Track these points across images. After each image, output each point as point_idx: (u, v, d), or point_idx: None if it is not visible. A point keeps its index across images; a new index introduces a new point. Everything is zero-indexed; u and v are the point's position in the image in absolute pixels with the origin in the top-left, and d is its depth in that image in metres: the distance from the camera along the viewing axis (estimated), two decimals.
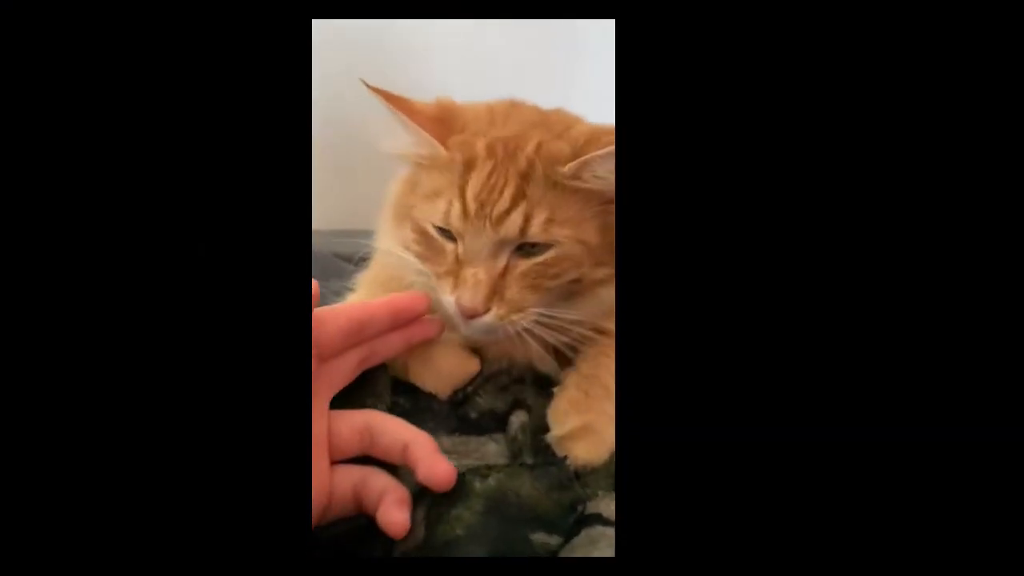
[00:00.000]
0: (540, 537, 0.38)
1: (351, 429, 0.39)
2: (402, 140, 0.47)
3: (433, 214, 0.45)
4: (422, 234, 0.46)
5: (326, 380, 0.39)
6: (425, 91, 0.51)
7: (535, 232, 0.43)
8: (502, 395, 0.46)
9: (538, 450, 0.44)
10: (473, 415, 0.44)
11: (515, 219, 0.43)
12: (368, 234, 0.55)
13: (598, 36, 0.96)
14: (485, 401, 0.45)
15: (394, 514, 0.36)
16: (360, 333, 0.41)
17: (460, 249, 0.44)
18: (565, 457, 0.42)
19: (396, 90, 0.47)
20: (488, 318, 0.43)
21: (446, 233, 0.45)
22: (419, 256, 0.46)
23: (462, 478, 0.40)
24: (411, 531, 0.37)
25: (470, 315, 0.43)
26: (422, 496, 0.39)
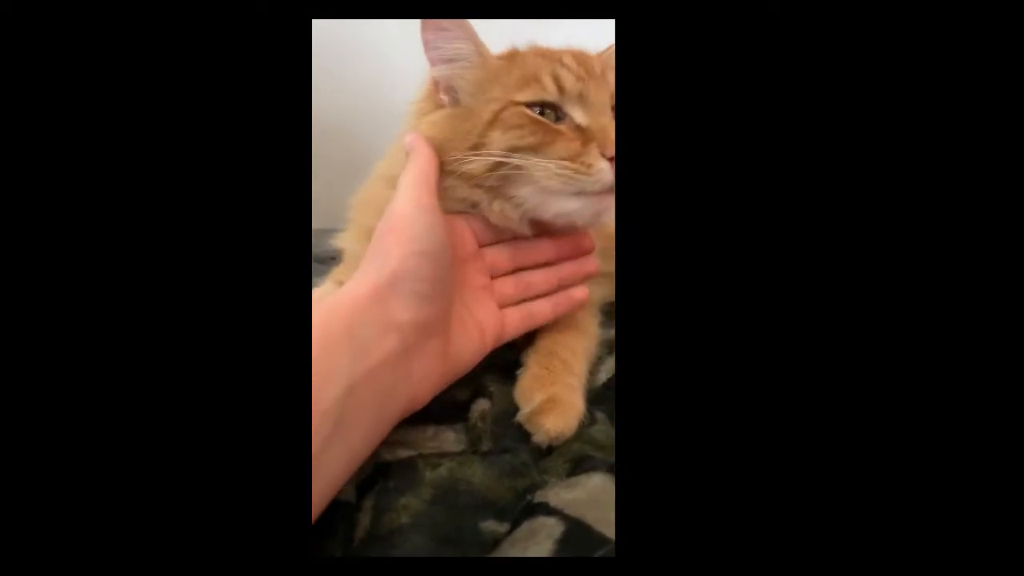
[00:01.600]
0: (490, 525, 0.38)
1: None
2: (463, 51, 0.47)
3: (540, 93, 0.45)
4: (529, 123, 0.44)
5: (481, 259, 0.48)
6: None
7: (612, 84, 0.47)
8: (464, 385, 0.46)
9: (497, 437, 0.44)
10: (434, 406, 0.44)
11: (608, 77, 0.47)
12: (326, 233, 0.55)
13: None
14: (446, 391, 0.45)
15: (576, 290, 0.51)
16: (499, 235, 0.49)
17: (579, 116, 0.45)
18: (530, 439, 0.43)
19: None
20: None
21: (550, 111, 0.45)
22: (533, 148, 0.44)
23: (413, 466, 0.40)
24: (359, 519, 0.37)
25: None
26: (371, 484, 0.39)
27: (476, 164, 0.44)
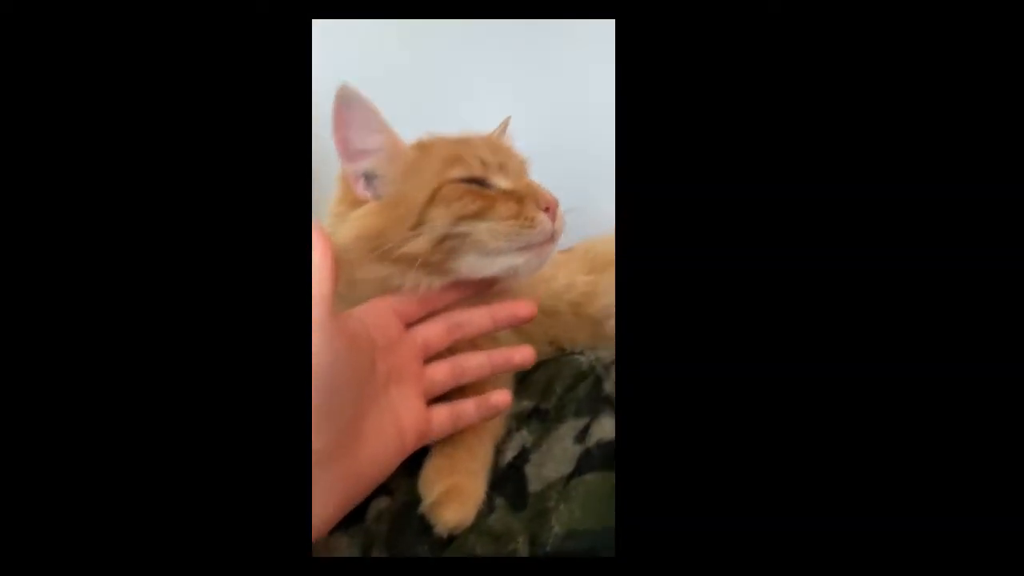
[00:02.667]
0: None
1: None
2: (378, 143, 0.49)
3: (469, 170, 0.48)
4: (469, 193, 0.47)
5: (411, 343, 0.46)
6: None
7: (520, 157, 0.53)
8: None
9: (393, 539, 0.43)
10: None
11: (515, 152, 0.53)
12: None
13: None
14: None
15: (494, 396, 0.48)
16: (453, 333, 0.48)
17: (504, 183, 0.49)
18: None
19: None
20: (560, 210, 0.49)
21: (477, 184, 0.48)
22: (477, 214, 0.46)
23: None
24: None
25: (555, 210, 0.48)
26: None
27: (422, 241, 0.46)
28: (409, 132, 0.51)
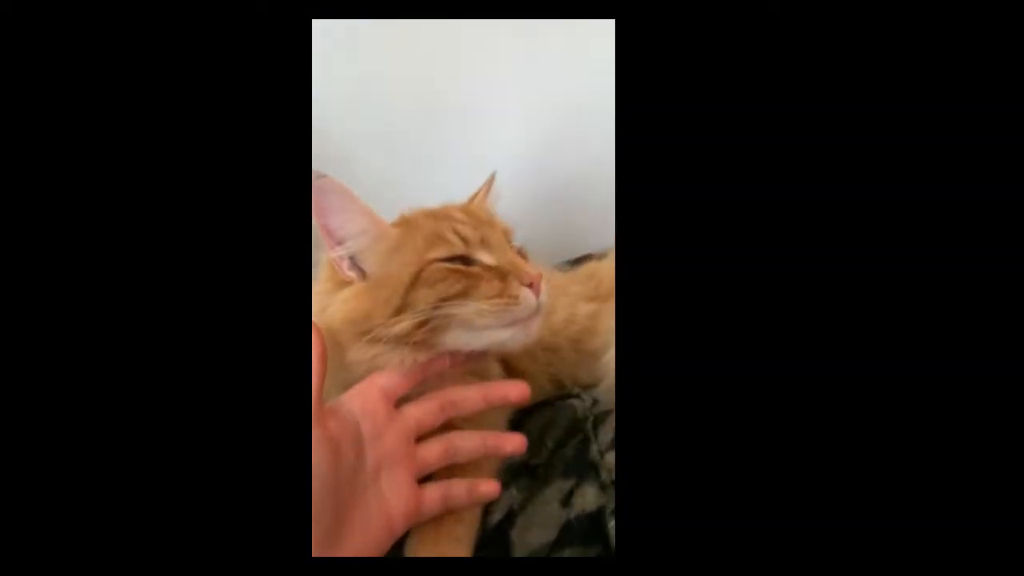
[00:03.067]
0: None
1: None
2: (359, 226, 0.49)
3: (450, 248, 0.48)
4: (452, 274, 0.47)
5: (402, 425, 0.46)
6: None
7: (507, 228, 0.54)
8: None
9: None
10: None
11: (495, 221, 0.53)
12: None
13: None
14: None
15: (483, 486, 0.47)
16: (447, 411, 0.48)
17: (488, 258, 0.49)
18: None
19: None
20: (544, 284, 0.49)
21: (460, 261, 0.48)
22: (461, 294, 0.46)
23: None
24: None
25: (539, 285, 0.48)
26: None
27: (406, 324, 0.46)
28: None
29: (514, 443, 0.48)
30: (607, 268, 0.75)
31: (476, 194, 0.60)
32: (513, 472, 0.53)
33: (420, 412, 0.47)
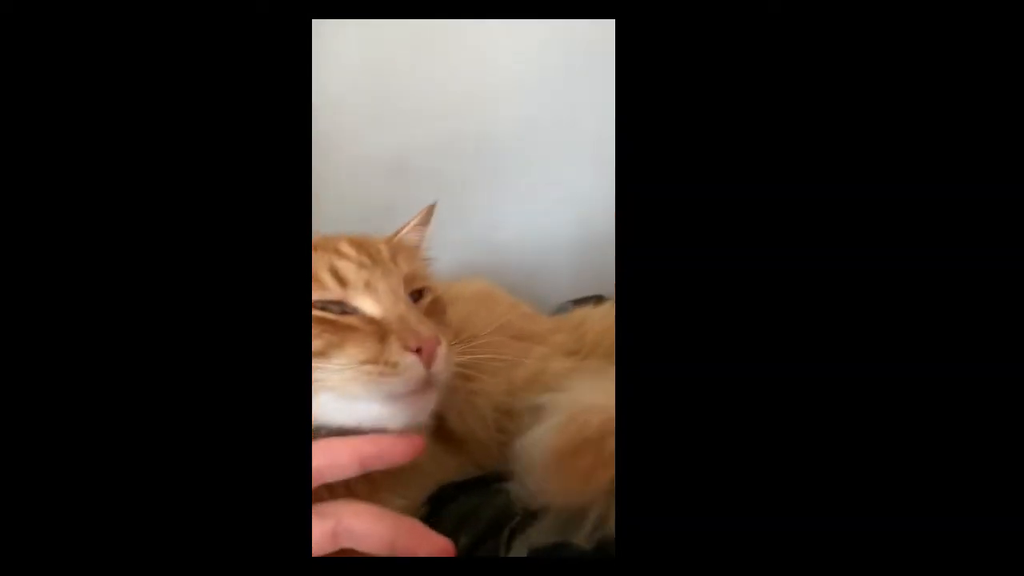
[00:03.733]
0: None
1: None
2: None
3: (319, 291, 0.39)
4: (317, 324, 0.38)
5: None
6: None
7: (419, 272, 0.44)
8: None
9: None
10: None
11: (400, 262, 0.43)
12: None
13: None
14: None
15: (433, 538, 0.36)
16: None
17: (370, 307, 0.39)
18: None
19: None
20: (442, 350, 0.39)
21: (338, 307, 0.39)
22: (326, 352, 0.37)
23: None
24: None
25: (432, 351, 0.38)
26: None
27: None
28: None
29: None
30: (599, 315, 0.64)
31: (404, 226, 0.50)
32: None
33: None
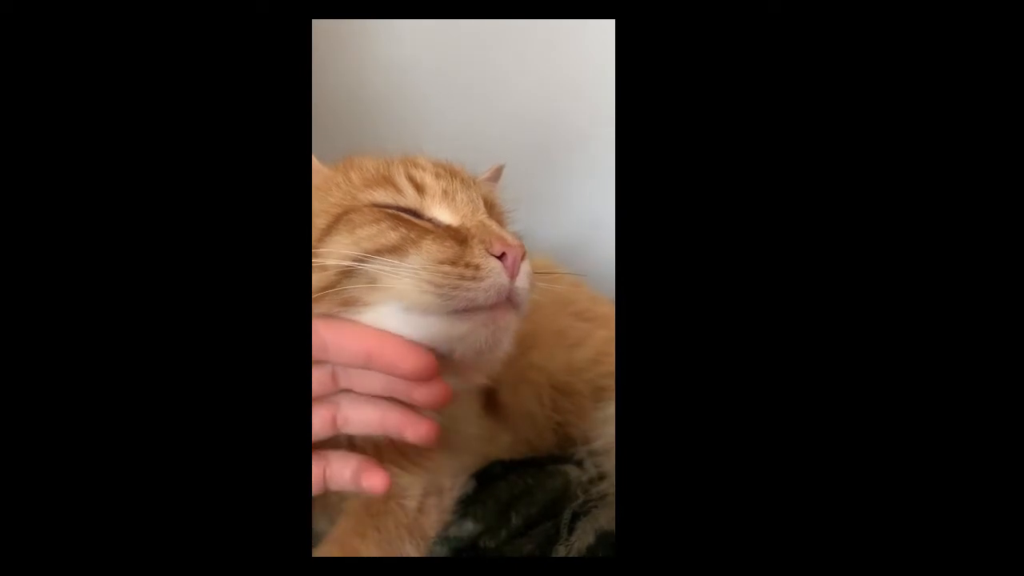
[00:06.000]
0: None
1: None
2: None
3: (395, 196, 0.35)
4: (387, 218, 0.33)
5: None
6: None
7: (496, 202, 0.39)
8: None
9: None
10: None
11: (480, 185, 0.39)
12: None
13: None
14: None
15: (375, 475, 0.33)
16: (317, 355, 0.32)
17: (446, 216, 0.35)
18: None
19: None
20: (527, 264, 0.33)
21: (411, 214, 0.35)
22: (395, 249, 0.32)
23: None
24: None
25: (517, 260, 0.33)
26: None
27: (323, 276, 0.32)
28: None
29: (421, 431, 0.33)
30: None
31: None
32: (456, 547, 0.38)
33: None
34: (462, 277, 0.31)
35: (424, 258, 0.31)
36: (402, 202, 0.34)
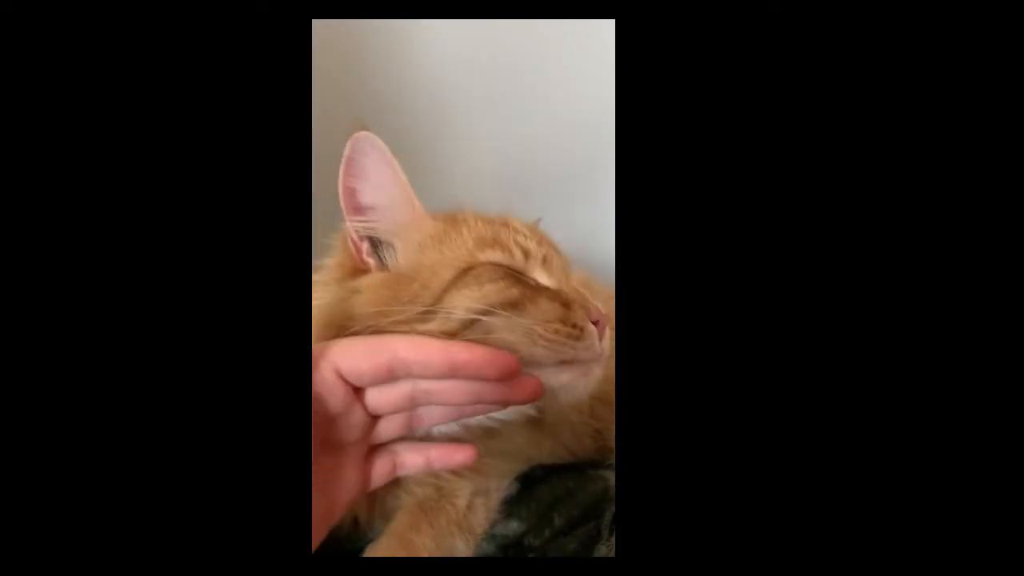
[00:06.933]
0: None
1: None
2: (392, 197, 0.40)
3: (507, 258, 0.38)
4: (507, 275, 0.37)
5: (358, 412, 0.35)
6: None
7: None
8: None
9: None
10: None
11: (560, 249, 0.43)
12: None
13: None
14: None
15: (460, 451, 0.38)
16: (392, 373, 0.34)
17: (547, 279, 0.40)
18: None
19: None
20: (609, 332, 0.39)
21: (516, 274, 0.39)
22: (514, 304, 0.36)
23: None
24: None
25: (605, 326, 0.39)
26: None
27: (434, 325, 0.35)
28: None
29: (528, 390, 0.35)
30: None
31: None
32: (502, 549, 0.41)
33: (381, 395, 0.35)
34: (569, 336, 0.36)
35: (538, 315, 0.36)
36: (513, 264, 0.38)
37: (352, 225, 0.39)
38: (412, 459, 0.38)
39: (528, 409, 0.42)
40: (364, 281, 0.38)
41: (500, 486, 0.44)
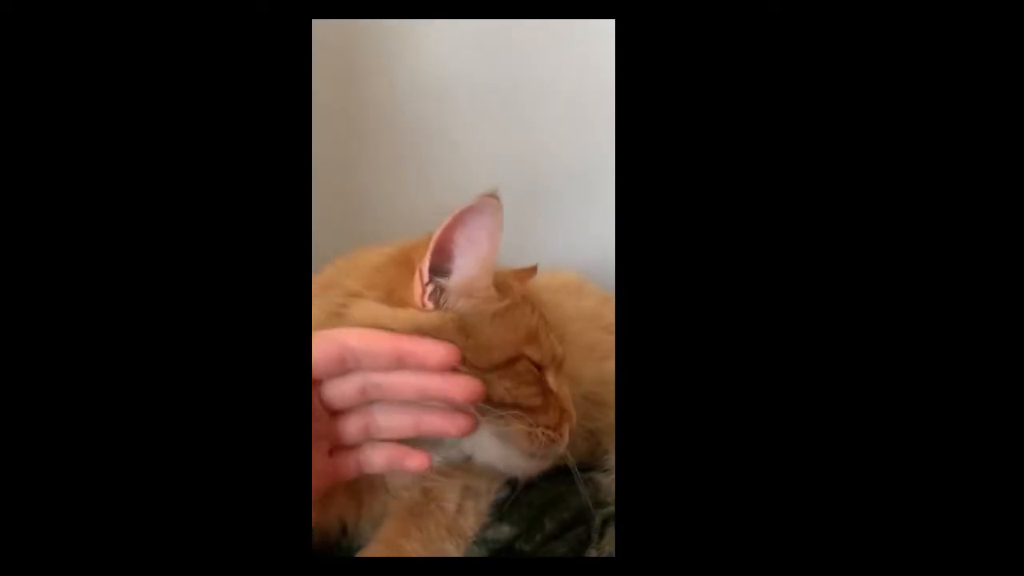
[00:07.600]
0: None
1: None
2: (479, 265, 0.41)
3: (541, 356, 0.43)
4: (537, 382, 0.42)
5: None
6: None
7: None
8: None
9: None
10: None
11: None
12: None
13: None
14: None
15: (412, 457, 0.38)
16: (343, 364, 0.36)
17: (552, 381, 0.44)
18: None
19: None
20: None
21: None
22: (531, 410, 0.41)
23: None
24: None
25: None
26: None
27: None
28: None
29: (461, 424, 0.38)
30: None
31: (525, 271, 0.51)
32: (494, 549, 0.41)
33: (336, 386, 0.37)
34: (551, 440, 0.41)
35: (542, 421, 0.41)
36: (543, 361, 0.43)
37: (425, 268, 0.39)
38: (375, 456, 0.38)
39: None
40: (423, 316, 0.39)
41: (491, 489, 0.44)
